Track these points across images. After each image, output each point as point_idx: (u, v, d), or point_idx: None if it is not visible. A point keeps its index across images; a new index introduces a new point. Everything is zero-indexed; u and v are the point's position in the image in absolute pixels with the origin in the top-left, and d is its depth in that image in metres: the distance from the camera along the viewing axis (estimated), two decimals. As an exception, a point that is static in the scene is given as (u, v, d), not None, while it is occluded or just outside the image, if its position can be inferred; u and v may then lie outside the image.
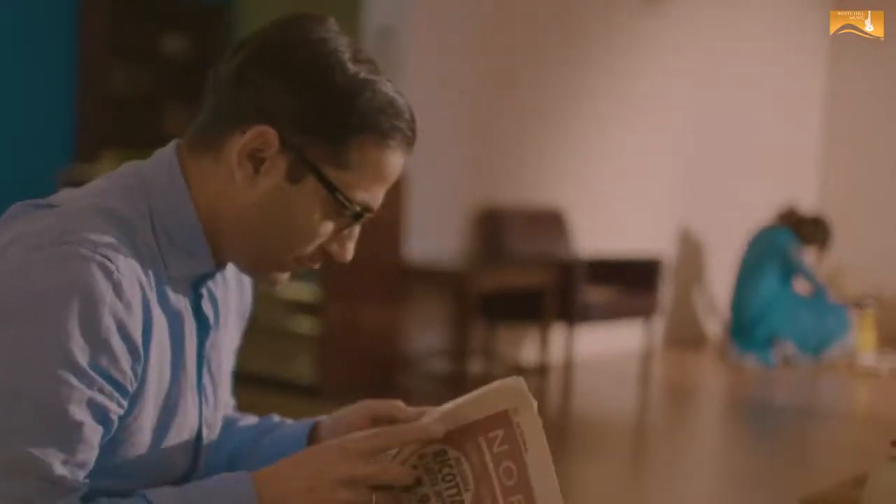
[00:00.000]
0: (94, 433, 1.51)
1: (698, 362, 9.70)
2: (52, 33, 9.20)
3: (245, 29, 10.25)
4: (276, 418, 2.00)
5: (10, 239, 1.54)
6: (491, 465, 1.56)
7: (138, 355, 1.54)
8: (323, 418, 1.88)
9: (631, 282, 8.46)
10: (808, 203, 10.91)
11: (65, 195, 1.66)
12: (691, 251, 10.32)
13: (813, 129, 11.82)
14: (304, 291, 7.30)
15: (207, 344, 1.75)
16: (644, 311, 8.45)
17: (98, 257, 1.49)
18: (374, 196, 1.67)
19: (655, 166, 9.76)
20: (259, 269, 1.72)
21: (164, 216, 1.64)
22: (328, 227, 1.66)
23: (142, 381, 1.57)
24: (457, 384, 7.09)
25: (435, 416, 1.60)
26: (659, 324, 9.47)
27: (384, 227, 7.26)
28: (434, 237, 7.81)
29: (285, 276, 1.74)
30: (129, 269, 1.52)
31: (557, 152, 8.77)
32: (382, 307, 7.20)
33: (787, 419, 7.79)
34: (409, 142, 1.68)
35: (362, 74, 1.64)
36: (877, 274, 11.18)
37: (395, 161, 1.66)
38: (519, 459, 1.56)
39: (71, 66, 9.22)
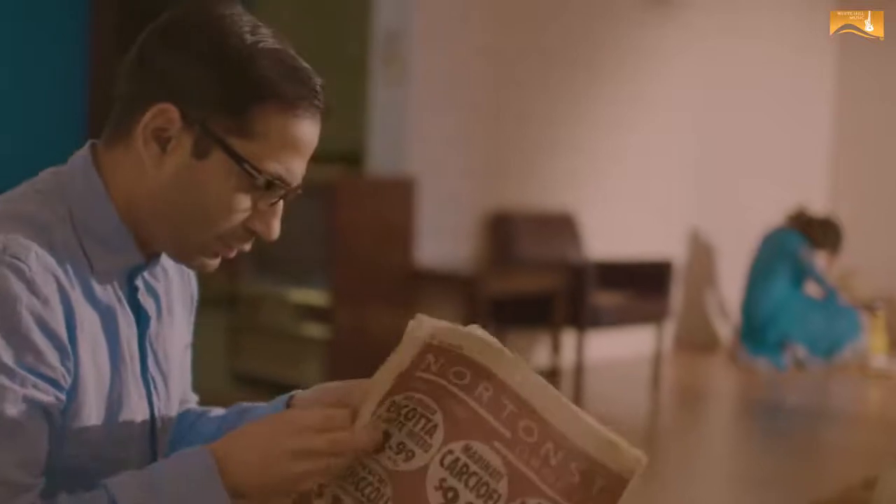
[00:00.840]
0: (39, 430, 1.51)
1: (709, 365, 9.68)
2: (61, 32, 9.20)
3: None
4: (245, 404, 1.97)
5: None
6: (441, 380, 1.54)
7: (66, 351, 1.54)
8: (298, 392, 1.83)
9: (642, 286, 8.44)
10: (818, 205, 10.88)
11: None
12: (702, 254, 10.30)
13: (822, 130, 11.79)
14: (313, 296, 7.30)
15: (149, 335, 1.74)
16: (655, 315, 8.43)
17: (8, 259, 1.50)
18: (289, 168, 1.63)
19: (665, 169, 9.74)
20: (185, 253, 1.69)
21: (83, 214, 1.64)
22: (244, 201, 1.63)
23: (76, 377, 1.57)
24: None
25: (363, 408, 1.57)
26: (670, 327, 9.45)
27: (394, 231, 7.26)
28: (444, 241, 7.81)
29: (215, 260, 1.71)
30: (42, 267, 1.52)
31: (567, 156, 8.76)
32: (392, 311, 7.19)
33: (798, 422, 7.77)
34: (317, 109, 1.66)
35: (261, 44, 1.64)
36: (888, 276, 11.14)
37: (303, 130, 1.64)
38: (463, 359, 1.54)
39: (81, 64, 9.22)
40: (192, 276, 1.94)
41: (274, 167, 1.61)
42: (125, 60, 1.67)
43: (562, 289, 7.60)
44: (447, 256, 7.80)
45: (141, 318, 1.72)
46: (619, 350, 9.02)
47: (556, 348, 7.83)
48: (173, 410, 1.83)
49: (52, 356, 1.52)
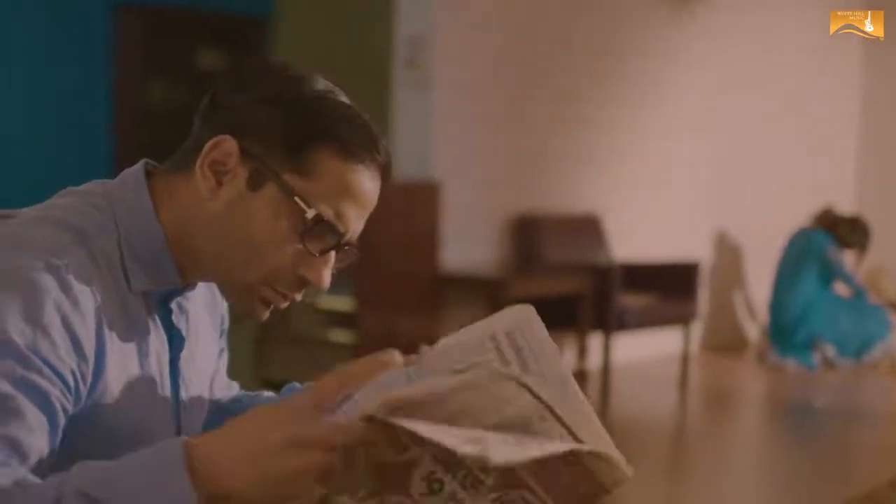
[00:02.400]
0: (33, 415, 1.46)
1: (738, 366, 9.65)
2: (88, 49, 9.25)
3: (281, 41, 10.28)
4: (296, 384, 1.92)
5: None
6: None
7: (84, 355, 1.52)
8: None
9: (669, 287, 8.41)
10: (845, 205, 10.84)
11: (26, 209, 1.66)
12: (729, 255, 10.27)
13: (849, 129, 11.75)
14: (339, 301, 7.30)
15: (182, 357, 1.73)
16: (682, 316, 8.41)
17: (46, 256, 1.51)
18: (341, 214, 1.64)
19: (691, 170, 9.72)
20: (232, 291, 1.69)
21: (128, 230, 1.64)
22: (292, 239, 1.62)
23: (102, 390, 1.56)
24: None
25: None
26: (697, 328, 9.42)
27: (419, 235, 7.26)
28: (469, 245, 7.80)
29: (264, 309, 1.69)
30: (79, 274, 1.53)
31: (591, 158, 8.75)
32: (418, 316, 7.19)
33: (827, 422, 7.74)
34: (378, 163, 1.67)
35: (330, 94, 1.67)
36: (916, 275, 11.09)
37: (360, 179, 1.65)
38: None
39: (107, 81, 9.27)
40: (222, 303, 1.93)
41: (325, 209, 1.62)
42: (201, 104, 1.70)
43: (588, 291, 7.59)
44: (472, 261, 7.79)
45: (174, 339, 1.72)
46: (646, 352, 9.00)
47: (582, 351, 7.81)
48: (195, 432, 1.80)
49: (68, 353, 1.50)
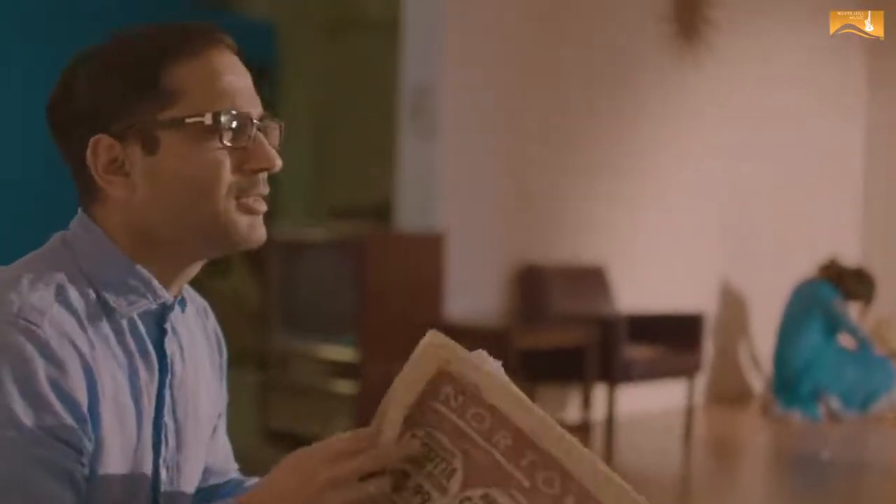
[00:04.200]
0: (61, 497, 1.48)
1: (743, 418, 9.61)
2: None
3: (286, 89, 10.31)
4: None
5: None
6: (460, 422, 1.51)
7: (83, 418, 1.52)
8: None
9: (673, 339, 8.38)
10: (849, 255, 10.83)
11: None
12: (733, 306, 10.24)
13: (854, 180, 11.75)
14: (341, 352, 7.28)
15: (168, 383, 1.71)
16: (687, 368, 8.37)
17: (22, 322, 1.49)
18: (228, 100, 1.63)
19: (695, 220, 9.71)
20: (217, 230, 1.66)
21: (95, 268, 1.63)
22: (217, 154, 1.62)
23: (99, 442, 1.55)
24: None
25: (384, 421, 1.56)
26: (701, 380, 9.39)
27: (423, 285, 7.25)
28: (473, 295, 7.78)
29: (252, 217, 1.67)
30: (57, 332, 1.51)
31: (595, 208, 8.74)
32: (422, 367, 7.16)
33: (833, 474, 7.69)
34: (213, 40, 1.66)
35: (131, 32, 1.67)
36: (922, 326, 11.06)
37: (217, 63, 1.65)
38: (481, 402, 1.51)
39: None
40: (222, 345, 1.93)
41: (215, 106, 1.62)
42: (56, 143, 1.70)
43: (593, 342, 7.56)
44: (477, 311, 7.77)
45: (162, 365, 1.70)
46: (650, 404, 8.96)
47: (587, 402, 7.78)
48: (187, 467, 1.77)
49: (71, 421, 1.50)
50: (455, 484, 1.49)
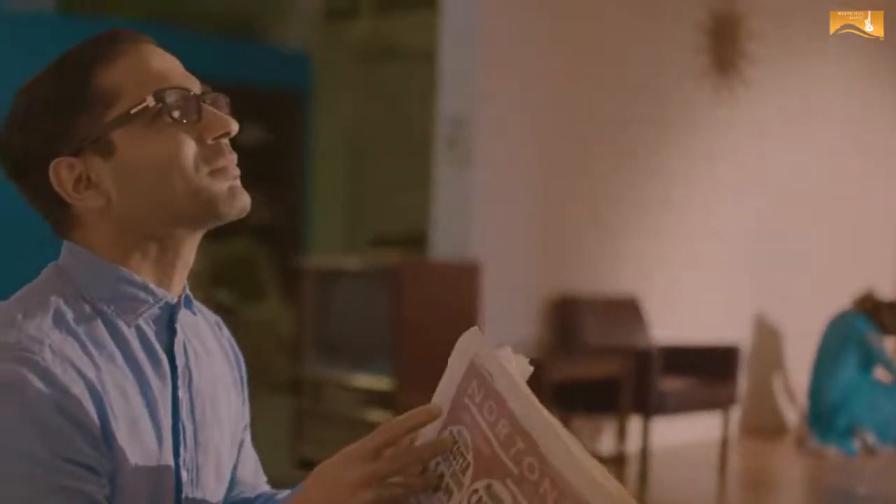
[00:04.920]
0: None
1: (777, 451, 9.56)
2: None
3: (321, 115, 10.35)
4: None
5: None
6: (478, 416, 1.54)
7: (96, 438, 1.52)
8: None
9: (708, 371, 8.35)
10: (886, 288, 10.77)
11: None
12: (768, 338, 10.20)
13: (890, 213, 11.70)
14: (377, 381, 7.29)
15: (183, 386, 1.70)
16: (722, 401, 8.34)
17: (21, 353, 1.49)
18: (163, 80, 1.65)
19: (730, 252, 9.69)
20: (199, 204, 1.66)
21: (89, 284, 1.64)
22: (171, 132, 1.63)
23: (116, 460, 1.55)
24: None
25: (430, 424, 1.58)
26: (736, 412, 9.35)
27: (458, 315, 7.24)
28: (508, 325, 7.78)
29: (229, 182, 1.69)
30: (58, 358, 1.51)
31: (631, 239, 8.73)
32: (456, 397, 7.16)
33: (869, 510, 7.64)
34: (130, 35, 1.68)
35: (52, 60, 1.67)
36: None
37: (140, 55, 1.66)
38: (492, 391, 1.53)
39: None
40: (239, 357, 1.93)
41: (150, 89, 1.63)
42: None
43: (627, 374, 7.54)
44: (511, 341, 7.69)
45: (174, 369, 1.69)
46: (685, 436, 8.92)
47: (622, 434, 7.75)
48: (207, 469, 1.76)
49: (84, 443, 1.50)
50: (468, 478, 1.52)
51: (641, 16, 8.80)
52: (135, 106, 1.61)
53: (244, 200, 1.69)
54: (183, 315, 1.73)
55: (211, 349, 1.83)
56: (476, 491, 1.50)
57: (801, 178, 10.41)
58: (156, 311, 1.68)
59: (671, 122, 9.10)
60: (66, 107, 1.62)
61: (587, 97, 8.38)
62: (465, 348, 1.60)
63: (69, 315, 1.59)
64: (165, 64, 1.68)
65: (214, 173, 1.66)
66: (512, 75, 7.86)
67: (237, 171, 1.70)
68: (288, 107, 10.14)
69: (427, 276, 7.32)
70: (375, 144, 10.58)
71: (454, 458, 1.54)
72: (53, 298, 1.61)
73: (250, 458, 1.99)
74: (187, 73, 1.71)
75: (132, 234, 1.66)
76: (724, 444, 8.36)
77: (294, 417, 7.64)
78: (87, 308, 1.62)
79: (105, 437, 1.53)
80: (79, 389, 1.51)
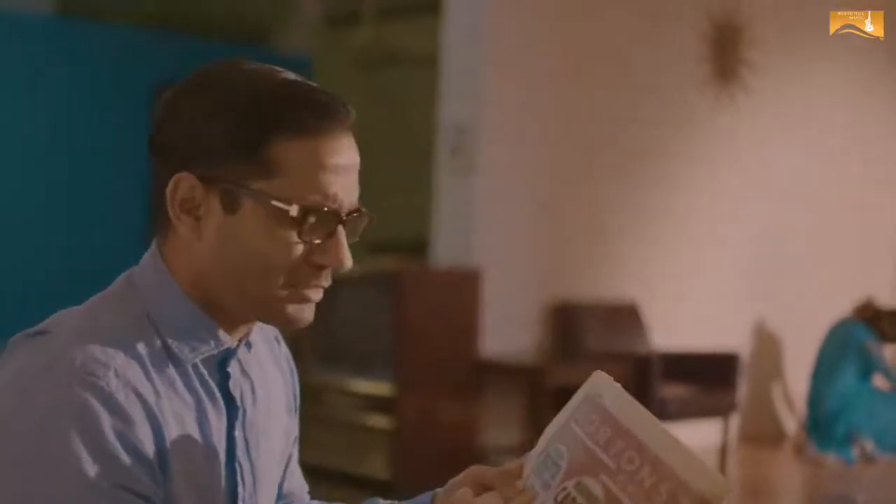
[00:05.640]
0: None
1: (777, 459, 9.57)
2: (127, 137, 9.35)
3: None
4: (381, 500, 1.89)
5: (7, 378, 1.52)
6: (579, 430, 1.54)
7: (153, 468, 1.51)
8: (438, 491, 1.76)
9: (708, 378, 8.36)
10: (885, 297, 10.78)
11: (58, 318, 1.61)
12: (767, 346, 10.22)
13: (890, 220, 11.71)
14: (378, 386, 7.30)
15: (238, 425, 1.69)
16: (721, 408, 8.35)
17: (86, 377, 1.47)
18: (327, 193, 1.57)
19: (730, 260, 9.71)
20: (264, 310, 1.62)
21: (159, 310, 1.61)
22: (291, 239, 1.57)
23: (169, 492, 1.55)
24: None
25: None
26: (735, 419, 9.36)
27: (459, 321, 7.27)
28: (509, 332, 7.80)
29: (304, 307, 1.64)
30: (122, 384, 1.49)
31: (631, 246, 8.75)
32: (457, 403, 7.18)
33: (868, 517, 7.66)
34: (338, 123, 1.59)
35: (261, 78, 1.60)
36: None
37: (329, 152, 1.58)
38: (604, 415, 1.54)
39: (144, 168, 9.38)
40: (293, 371, 1.92)
41: (309, 197, 1.56)
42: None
43: (627, 381, 7.52)
44: (512, 348, 7.78)
45: (231, 406, 1.68)
46: (685, 442, 8.91)
47: (621, 440, 7.76)
48: (260, 501, 1.76)
49: (142, 473, 1.49)
50: (557, 479, 1.52)
51: (644, 25, 8.83)
52: (280, 201, 1.55)
53: (305, 320, 1.66)
54: (242, 353, 1.72)
55: (267, 369, 1.82)
56: (565, 489, 1.50)
57: (802, 186, 10.42)
58: (213, 353, 1.65)
59: (673, 129, 9.12)
60: (229, 143, 1.56)
61: (589, 105, 8.41)
62: (590, 383, 1.59)
63: (135, 336, 1.57)
64: (338, 174, 1.59)
65: (296, 295, 1.62)
66: (514, 82, 7.89)
67: (319, 297, 1.66)
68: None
69: (428, 282, 7.35)
70: (376, 150, 10.56)
71: (546, 470, 1.54)
72: (122, 316, 1.59)
73: (297, 470, 1.99)
74: (354, 184, 1.63)
75: (203, 281, 1.62)
76: (724, 450, 8.38)
77: (295, 422, 7.66)
78: (153, 334, 1.59)
79: (161, 467, 1.53)
80: (139, 417, 1.50)
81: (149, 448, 1.50)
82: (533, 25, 8.03)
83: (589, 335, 8.07)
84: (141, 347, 1.56)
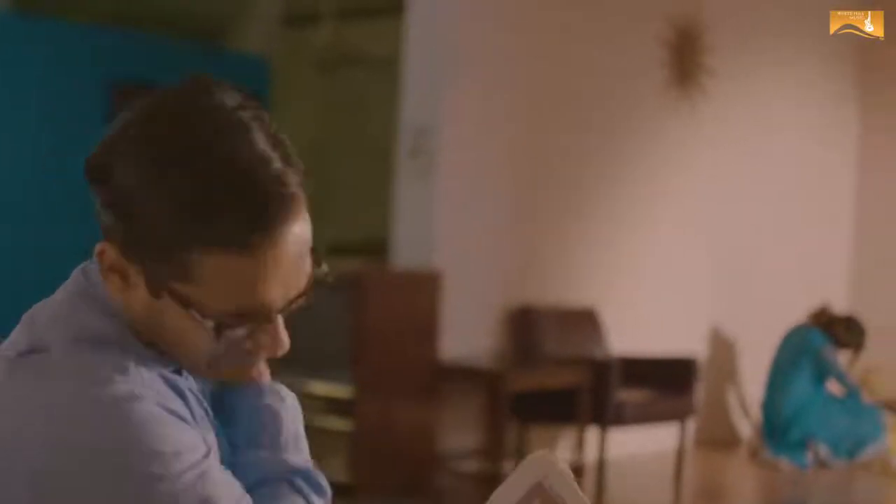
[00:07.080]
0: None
1: (731, 463, 9.61)
2: (82, 134, 9.29)
3: (281, 122, 10.31)
4: None
5: (26, 414, 1.39)
6: None
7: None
8: None
9: (665, 383, 8.39)
10: (839, 302, 10.85)
11: (38, 328, 1.46)
12: (723, 351, 10.26)
13: (844, 226, 11.78)
14: (336, 389, 7.29)
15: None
16: (679, 412, 8.38)
17: (120, 388, 1.38)
18: (250, 303, 1.41)
19: (687, 265, 9.74)
20: (196, 372, 1.52)
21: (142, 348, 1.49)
22: (208, 343, 1.43)
23: None
24: (490, 484, 7.03)
25: None
26: (692, 424, 9.40)
27: (418, 324, 7.27)
28: (467, 334, 7.80)
29: (246, 373, 1.58)
30: (147, 385, 1.42)
31: (590, 251, 8.77)
32: (416, 406, 7.18)
33: (822, 522, 7.71)
34: (271, 225, 1.39)
35: (198, 150, 1.38)
36: (910, 375, 11.07)
37: (260, 260, 1.39)
38: None
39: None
40: None
41: (227, 307, 1.40)
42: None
43: (585, 385, 7.58)
44: (471, 351, 7.79)
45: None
46: (641, 447, 8.96)
47: (579, 445, 7.79)
48: None
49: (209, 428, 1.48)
50: None
51: (604, 29, 8.84)
52: (198, 311, 1.40)
53: (249, 378, 1.60)
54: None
55: None
56: None
57: (759, 192, 10.47)
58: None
59: (633, 134, 9.14)
60: (154, 231, 1.39)
61: (550, 109, 8.42)
62: (533, 470, 1.59)
63: (131, 345, 1.47)
64: (277, 275, 1.41)
65: (229, 371, 1.54)
66: (475, 85, 7.89)
67: (259, 372, 1.60)
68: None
69: (387, 284, 7.34)
70: (335, 152, 10.57)
71: None
72: (105, 326, 1.46)
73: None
74: (298, 269, 1.46)
75: (143, 326, 1.48)
76: (680, 454, 8.41)
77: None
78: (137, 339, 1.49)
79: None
80: (175, 405, 1.44)
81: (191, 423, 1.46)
82: (494, 28, 8.03)
83: (548, 339, 8.08)
84: (141, 350, 1.48)
